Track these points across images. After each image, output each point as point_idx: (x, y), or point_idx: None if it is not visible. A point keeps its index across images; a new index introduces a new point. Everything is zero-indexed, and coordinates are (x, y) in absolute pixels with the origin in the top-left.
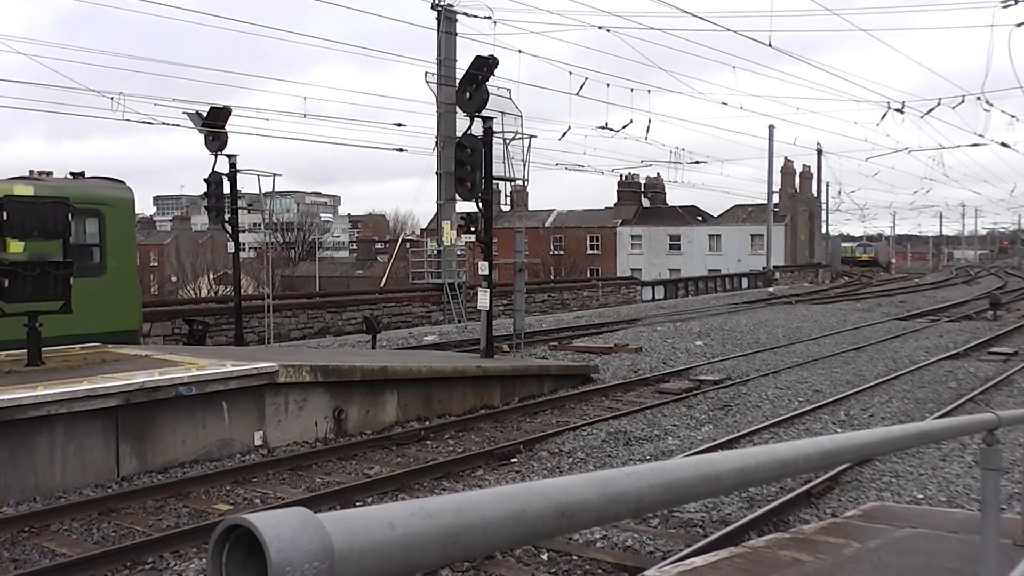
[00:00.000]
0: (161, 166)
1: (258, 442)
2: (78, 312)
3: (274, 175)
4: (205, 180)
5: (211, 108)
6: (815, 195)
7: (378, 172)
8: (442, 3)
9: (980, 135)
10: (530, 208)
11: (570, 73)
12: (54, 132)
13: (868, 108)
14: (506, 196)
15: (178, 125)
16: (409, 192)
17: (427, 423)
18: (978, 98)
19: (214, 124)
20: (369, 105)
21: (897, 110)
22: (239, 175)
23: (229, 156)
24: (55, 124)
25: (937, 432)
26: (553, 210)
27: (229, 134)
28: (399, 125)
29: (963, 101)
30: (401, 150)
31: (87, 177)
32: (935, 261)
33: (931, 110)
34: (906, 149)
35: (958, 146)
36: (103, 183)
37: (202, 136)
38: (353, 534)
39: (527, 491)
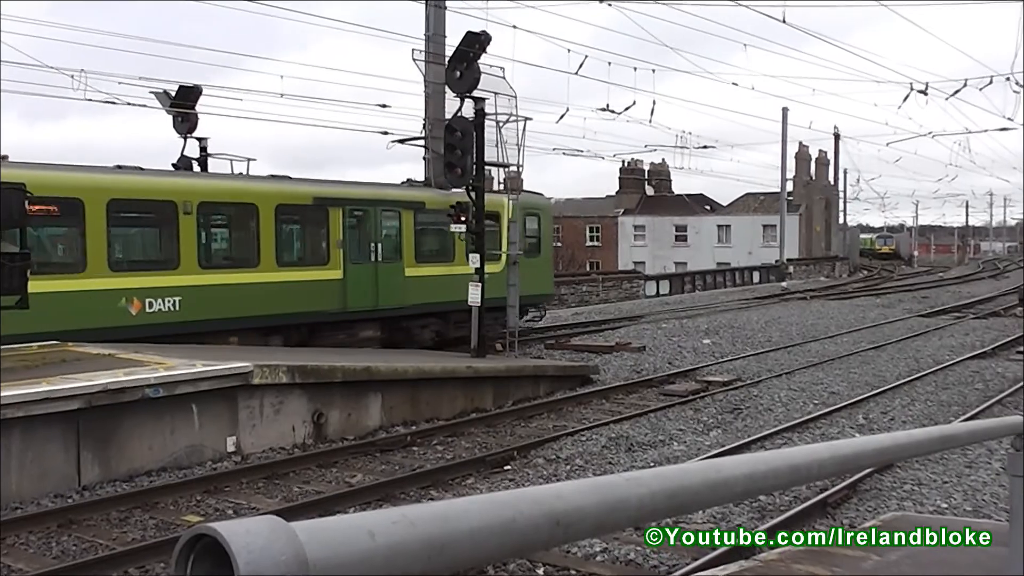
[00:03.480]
0: (140, 149)
1: (231, 448)
2: (528, 281)
3: (248, 160)
4: (174, 165)
5: (180, 87)
6: (832, 183)
7: (367, 157)
8: None
9: (1009, 118)
10: None
11: (568, 51)
12: (28, 114)
13: (889, 89)
14: (499, 183)
15: (144, 106)
16: (397, 178)
17: (414, 427)
18: (1007, 79)
19: (183, 104)
20: (359, 85)
21: (920, 92)
22: (212, 160)
23: (199, 139)
24: (29, 106)
25: (962, 436)
26: (550, 198)
27: (200, 115)
28: (384, 106)
29: (991, 82)
30: (386, 133)
31: (519, 190)
32: (961, 254)
33: (957, 92)
34: (930, 134)
35: (985, 130)
36: (537, 196)
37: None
38: (329, 544)
39: (519, 498)
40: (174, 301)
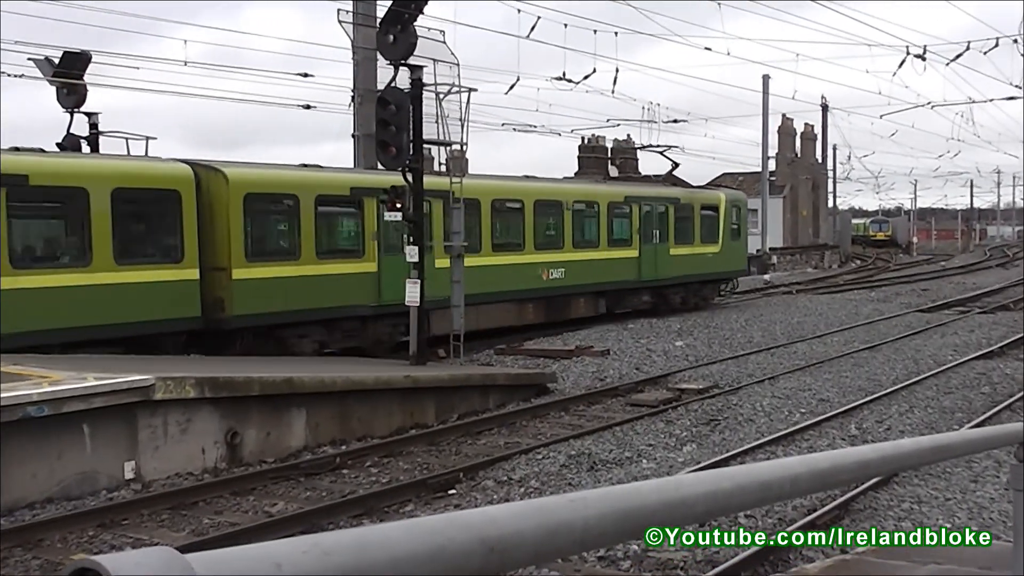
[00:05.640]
0: (20, 126)
1: (129, 475)
2: (730, 260)
3: (147, 138)
4: (58, 145)
5: (65, 53)
6: (820, 161)
7: (290, 131)
8: None
9: (1017, 86)
10: None
11: (519, 11)
12: None
13: (883, 54)
14: (440, 163)
15: (23, 76)
16: (322, 158)
17: (343, 447)
18: (1015, 41)
19: (69, 74)
20: (284, 53)
21: (918, 56)
22: (103, 138)
23: (88, 114)
24: None
25: (957, 446)
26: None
27: (89, 87)
28: (305, 76)
29: (997, 45)
30: (308, 107)
31: (720, 186)
32: (965, 240)
33: (958, 56)
34: (929, 104)
35: (991, 100)
36: (737, 191)
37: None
38: None
39: (448, 523)
40: (561, 271)
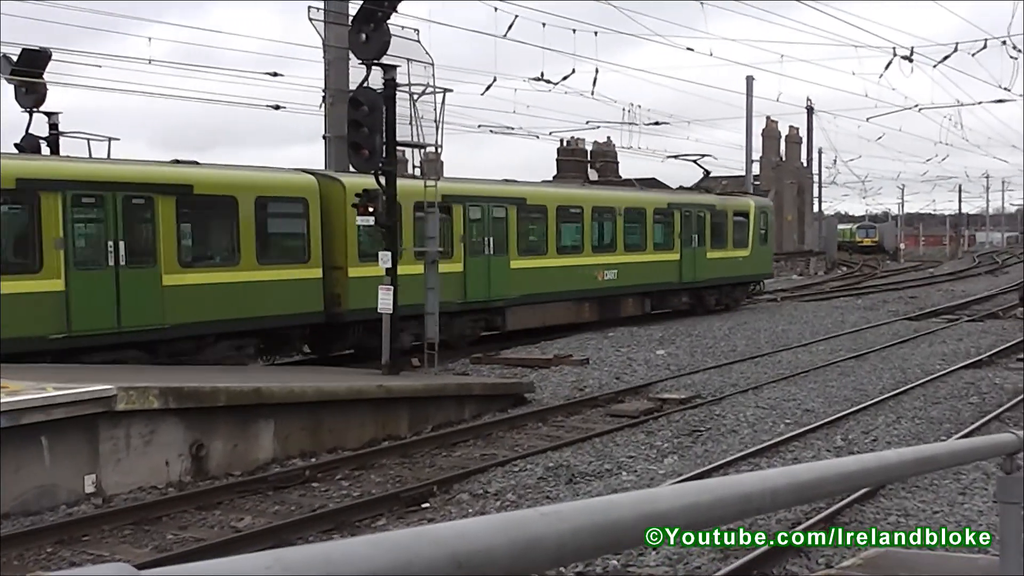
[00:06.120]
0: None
1: (90, 488)
2: (758, 263)
3: (109, 139)
4: (17, 146)
5: (24, 51)
6: (805, 164)
7: (262, 136)
8: None
9: (1006, 88)
10: None
11: (496, 10)
12: None
13: (869, 55)
14: (414, 166)
15: None
16: (292, 160)
17: (313, 460)
18: (1003, 42)
19: (28, 72)
20: (254, 51)
21: (904, 58)
22: (64, 139)
23: (48, 114)
24: None
25: (942, 458)
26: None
27: (49, 85)
28: (274, 75)
29: (985, 46)
30: (277, 107)
31: (744, 193)
32: (953, 246)
33: (946, 58)
34: (916, 107)
35: (980, 102)
36: (765, 199)
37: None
38: None
39: (416, 537)
40: (614, 273)
